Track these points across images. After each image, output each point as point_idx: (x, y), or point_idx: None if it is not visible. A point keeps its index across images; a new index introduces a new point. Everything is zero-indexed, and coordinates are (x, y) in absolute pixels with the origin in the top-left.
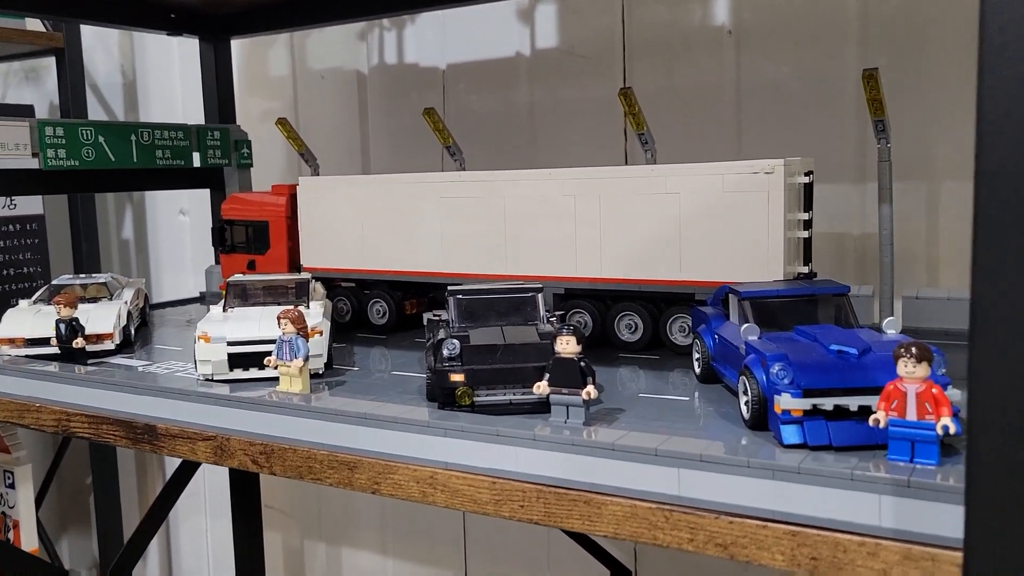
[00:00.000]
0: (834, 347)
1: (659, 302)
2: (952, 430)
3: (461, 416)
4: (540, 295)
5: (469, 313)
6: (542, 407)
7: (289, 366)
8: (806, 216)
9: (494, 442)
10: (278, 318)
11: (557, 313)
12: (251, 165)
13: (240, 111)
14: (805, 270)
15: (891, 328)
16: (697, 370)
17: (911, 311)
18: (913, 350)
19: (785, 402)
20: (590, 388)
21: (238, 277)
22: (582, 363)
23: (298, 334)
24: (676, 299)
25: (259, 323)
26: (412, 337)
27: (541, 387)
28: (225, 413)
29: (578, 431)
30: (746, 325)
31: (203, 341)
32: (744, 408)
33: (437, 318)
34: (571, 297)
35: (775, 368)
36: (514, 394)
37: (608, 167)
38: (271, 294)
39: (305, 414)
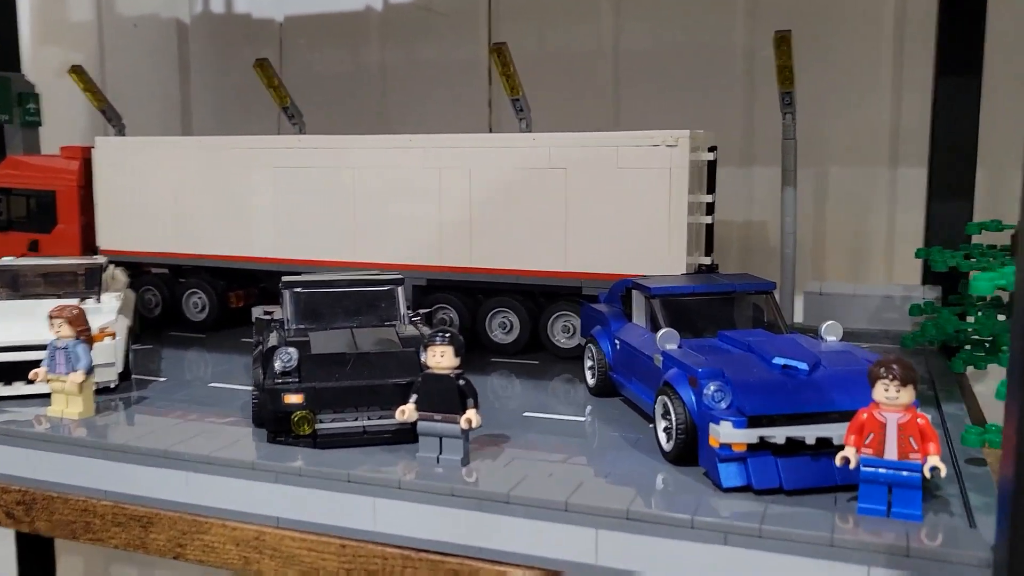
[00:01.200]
0: (778, 361)
1: (539, 297)
2: (943, 472)
3: (299, 452)
4: (400, 289)
5: (310, 312)
6: (406, 436)
7: (64, 381)
8: (709, 199)
9: (344, 489)
10: (50, 317)
11: (421, 311)
12: (39, 123)
13: (32, 62)
14: (708, 261)
15: (831, 334)
16: (590, 380)
17: (813, 308)
18: (895, 370)
19: (725, 434)
20: (471, 414)
21: (7, 261)
22: (461, 382)
23: (78, 338)
24: (560, 294)
25: (29, 323)
26: (238, 336)
27: (407, 412)
28: None
29: (456, 472)
30: (664, 331)
31: None
32: (663, 436)
33: (269, 317)
34: (434, 290)
35: (710, 388)
36: (368, 419)
37: (480, 135)
38: (52, 284)
39: (82, 449)
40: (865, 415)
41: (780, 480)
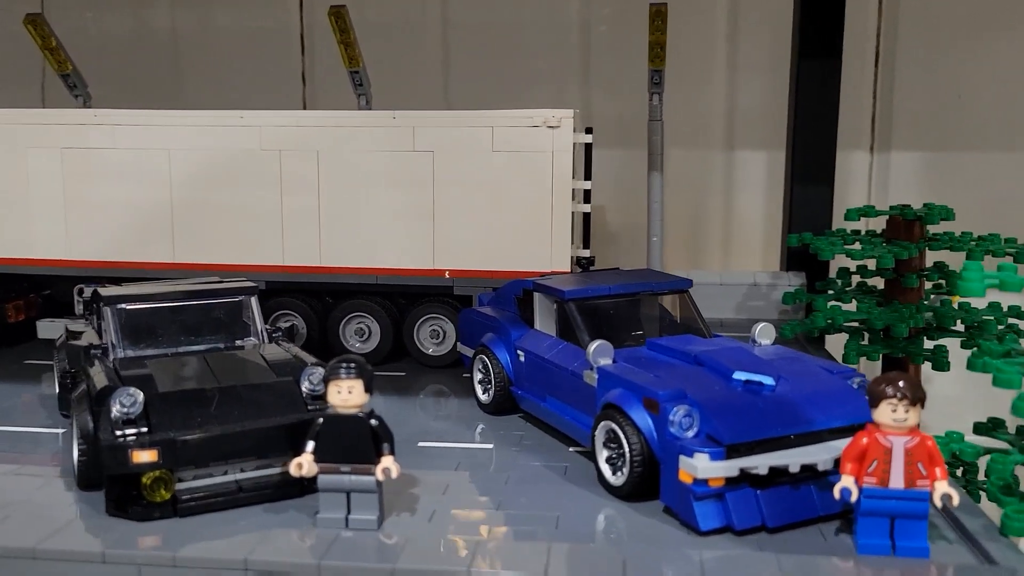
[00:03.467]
0: (739, 376)
1: (401, 299)
2: (956, 500)
3: (159, 528)
4: (254, 299)
5: (142, 332)
6: (289, 489)
7: None
8: (587, 185)
9: None
10: None
11: (284, 325)
12: None
13: None
14: (587, 254)
15: (765, 336)
16: (482, 396)
17: None
18: (903, 388)
19: (703, 469)
20: (388, 461)
21: None
22: (374, 422)
23: None
24: (426, 295)
25: None
26: (17, 358)
27: (304, 465)
28: None
29: (374, 545)
30: (597, 344)
31: None
32: (607, 469)
33: (77, 341)
34: (275, 294)
35: (678, 414)
36: (242, 472)
37: (329, 112)
38: None
39: None
40: (865, 439)
41: (762, 517)
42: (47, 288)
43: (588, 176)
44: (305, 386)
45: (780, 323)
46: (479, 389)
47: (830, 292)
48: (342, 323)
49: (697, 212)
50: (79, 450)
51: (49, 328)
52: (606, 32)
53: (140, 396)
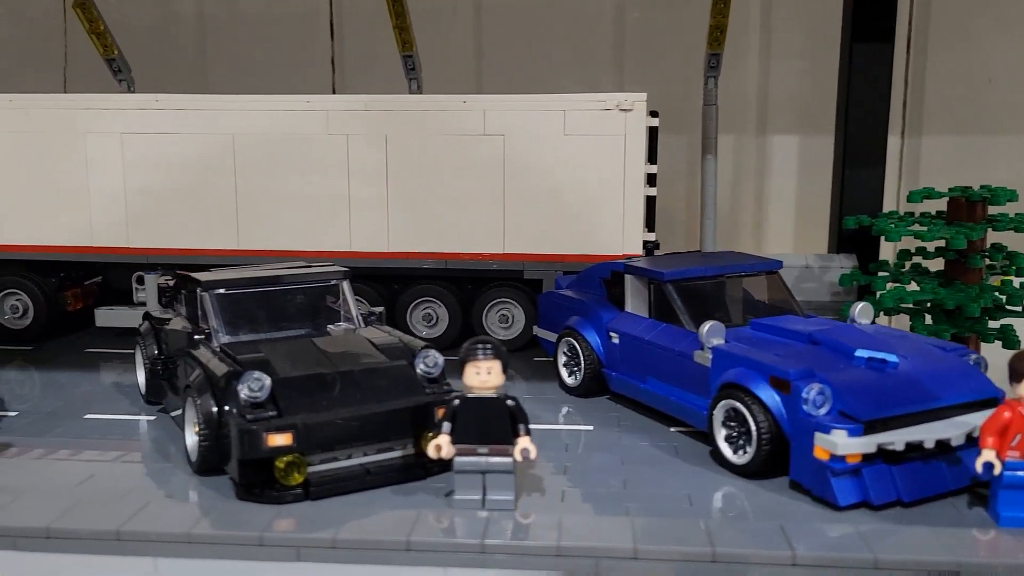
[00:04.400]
0: (862, 354)
1: (468, 284)
2: None
3: (297, 511)
4: (347, 283)
5: (240, 318)
6: (414, 472)
7: None
8: (653, 169)
9: (399, 561)
10: None
11: (376, 310)
12: None
13: None
14: (652, 238)
15: (864, 316)
16: (569, 379)
17: None
18: None
19: (842, 444)
20: (526, 442)
21: None
22: (510, 402)
23: None
24: (493, 280)
25: None
26: (77, 347)
27: (443, 446)
28: None
29: (523, 526)
30: (710, 324)
31: None
32: (728, 448)
33: (167, 327)
34: None
35: (811, 391)
36: (365, 456)
37: (399, 96)
38: None
39: None
40: (1008, 414)
41: (898, 492)
42: (99, 275)
43: (653, 160)
44: (420, 369)
45: (834, 305)
46: (564, 372)
47: (884, 274)
48: (409, 309)
49: (732, 196)
50: (199, 435)
51: (108, 316)
52: (639, 18)
53: (267, 380)
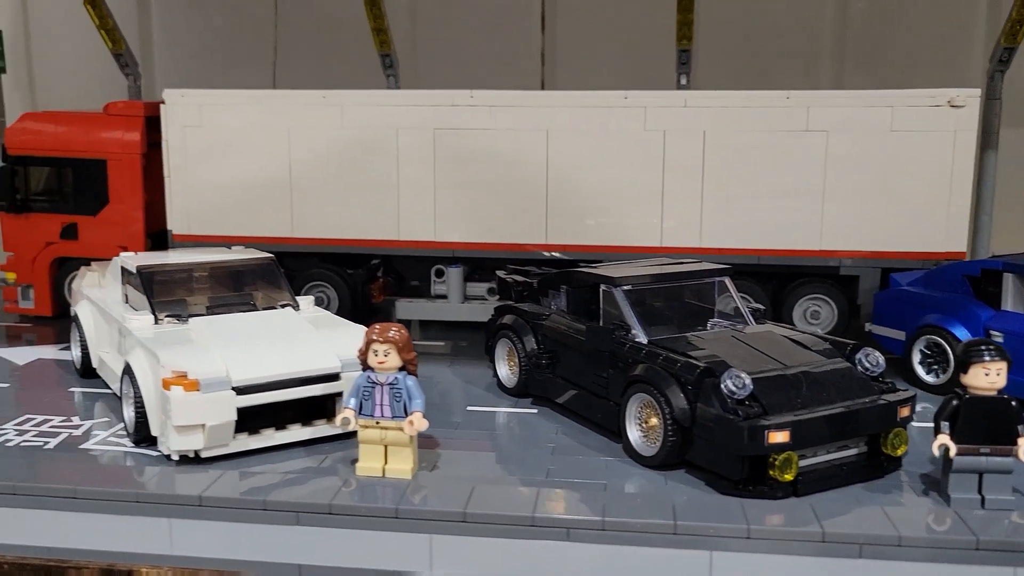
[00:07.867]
0: None
1: (777, 279)
2: None
3: (790, 507)
4: (728, 279)
5: (644, 313)
6: (876, 470)
7: (394, 427)
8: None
9: (919, 558)
10: (369, 340)
11: (758, 306)
12: (3, 70)
13: None
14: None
15: None
16: (928, 376)
17: None
18: None
19: None
20: None
21: (143, 259)
22: (1015, 403)
23: (404, 369)
24: (805, 274)
25: (261, 348)
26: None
27: (951, 446)
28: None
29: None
30: None
31: (183, 389)
32: None
33: (543, 321)
34: None
35: None
36: (828, 452)
37: (716, 92)
38: (215, 286)
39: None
40: None
41: None
42: (392, 269)
43: None
44: (862, 367)
45: None
46: (921, 370)
47: None
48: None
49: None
50: (668, 427)
51: (409, 309)
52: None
53: (748, 379)
